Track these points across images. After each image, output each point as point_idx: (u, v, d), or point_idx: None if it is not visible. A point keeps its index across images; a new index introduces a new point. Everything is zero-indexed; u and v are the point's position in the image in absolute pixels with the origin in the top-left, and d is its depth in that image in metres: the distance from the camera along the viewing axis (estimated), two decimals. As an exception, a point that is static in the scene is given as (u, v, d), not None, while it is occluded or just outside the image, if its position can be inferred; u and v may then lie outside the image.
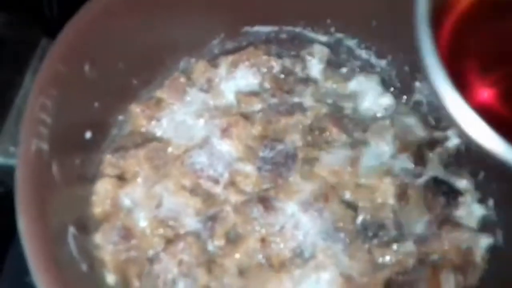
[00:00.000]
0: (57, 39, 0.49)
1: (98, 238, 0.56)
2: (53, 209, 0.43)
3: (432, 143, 0.66)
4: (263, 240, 0.59)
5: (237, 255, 0.57)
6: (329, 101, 0.71)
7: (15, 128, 0.45)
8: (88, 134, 0.59)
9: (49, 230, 0.41)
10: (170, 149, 0.65)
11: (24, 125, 0.42)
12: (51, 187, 0.45)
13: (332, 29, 0.75)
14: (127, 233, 0.57)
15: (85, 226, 0.56)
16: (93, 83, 0.56)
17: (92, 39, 0.54)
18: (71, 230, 0.49)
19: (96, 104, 0.59)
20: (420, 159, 0.64)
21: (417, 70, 0.71)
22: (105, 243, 0.56)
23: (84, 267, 0.49)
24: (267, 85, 0.71)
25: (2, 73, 0.48)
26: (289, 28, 0.75)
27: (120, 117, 0.66)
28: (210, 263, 0.57)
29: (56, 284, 0.38)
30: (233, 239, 0.59)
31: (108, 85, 0.60)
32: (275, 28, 0.75)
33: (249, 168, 0.63)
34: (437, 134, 0.68)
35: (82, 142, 0.57)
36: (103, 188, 0.60)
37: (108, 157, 0.62)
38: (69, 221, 0.50)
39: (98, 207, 0.59)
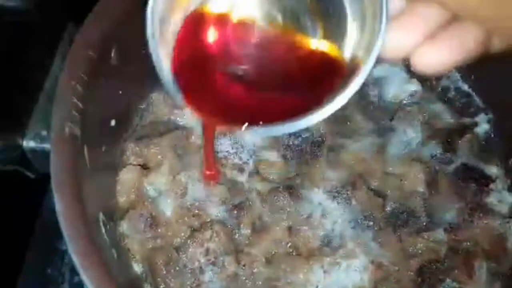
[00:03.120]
0: (85, 24, 0.48)
1: (124, 226, 0.56)
2: (86, 194, 0.42)
3: (461, 130, 0.64)
4: (290, 229, 0.58)
5: (264, 244, 0.56)
6: (353, 88, 0.70)
7: (46, 112, 0.44)
8: (113, 122, 0.58)
9: (84, 213, 0.40)
10: (193, 138, 0.64)
11: (57, 108, 0.41)
12: (84, 172, 0.44)
13: (355, 16, 0.74)
14: (153, 222, 0.56)
15: (112, 216, 0.56)
16: (118, 69, 0.55)
17: (118, 25, 0.53)
18: (101, 216, 0.49)
19: (120, 92, 0.58)
20: (449, 146, 0.63)
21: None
22: (132, 232, 0.56)
23: (114, 254, 0.49)
24: (289, 73, 0.70)
25: (32, 55, 0.47)
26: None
27: (142, 106, 0.65)
28: (237, 252, 0.56)
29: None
30: (259, 228, 0.58)
31: (131, 72, 0.58)
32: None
33: (274, 156, 0.62)
34: (466, 120, 0.66)
35: (108, 130, 0.57)
36: (127, 177, 0.59)
37: (131, 146, 0.61)
38: (99, 208, 0.49)
39: (123, 197, 0.58)
